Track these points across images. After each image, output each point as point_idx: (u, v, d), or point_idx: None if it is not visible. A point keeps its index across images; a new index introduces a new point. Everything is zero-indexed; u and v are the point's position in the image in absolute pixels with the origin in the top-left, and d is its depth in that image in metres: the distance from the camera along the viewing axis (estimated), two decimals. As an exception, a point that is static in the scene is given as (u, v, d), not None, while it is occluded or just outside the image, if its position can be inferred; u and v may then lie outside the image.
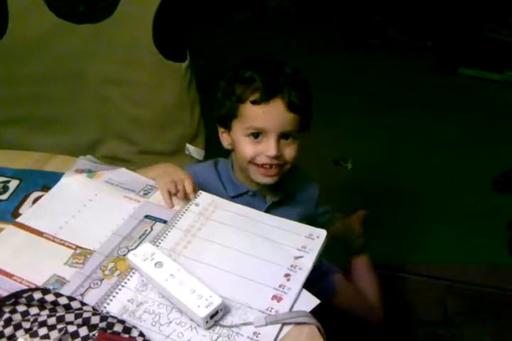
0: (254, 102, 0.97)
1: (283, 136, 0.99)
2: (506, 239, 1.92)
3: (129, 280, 0.81)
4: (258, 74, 0.97)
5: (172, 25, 1.23)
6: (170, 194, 0.93)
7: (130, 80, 1.24)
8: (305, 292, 0.82)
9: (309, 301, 0.80)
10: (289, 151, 1.01)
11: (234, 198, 1.08)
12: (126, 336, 0.71)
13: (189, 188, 0.94)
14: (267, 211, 1.08)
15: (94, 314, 0.72)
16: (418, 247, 1.88)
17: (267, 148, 0.98)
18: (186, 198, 0.94)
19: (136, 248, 0.84)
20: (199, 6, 2.92)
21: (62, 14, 1.15)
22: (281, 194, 1.11)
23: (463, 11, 2.95)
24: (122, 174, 1.01)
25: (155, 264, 0.79)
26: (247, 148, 1.00)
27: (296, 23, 3.19)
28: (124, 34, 1.18)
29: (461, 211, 2.04)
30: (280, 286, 0.81)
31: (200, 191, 0.97)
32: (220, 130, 1.07)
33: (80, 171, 1.00)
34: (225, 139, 1.07)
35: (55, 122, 1.30)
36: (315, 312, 0.79)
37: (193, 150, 1.36)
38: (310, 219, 1.14)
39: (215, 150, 1.42)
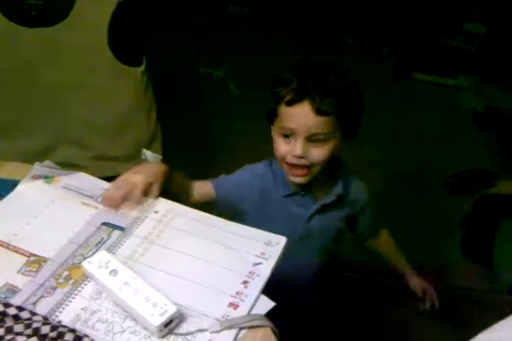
0: (287, 103, 0.99)
1: (312, 137, 1.00)
2: (459, 240, 1.97)
3: (83, 288, 0.80)
4: (296, 76, 0.99)
5: (128, 30, 1.22)
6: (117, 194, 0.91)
7: (85, 85, 1.22)
8: (261, 295, 0.81)
9: (265, 304, 0.80)
10: (317, 153, 1.01)
11: (286, 197, 1.11)
12: (78, 345, 0.70)
13: (136, 194, 0.92)
14: (316, 212, 1.13)
15: (44, 323, 0.71)
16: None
17: (293, 148, 1.01)
18: (136, 202, 0.92)
19: (92, 256, 0.83)
20: (160, 10, 2.90)
21: (14, 18, 1.12)
22: (333, 197, 1.12)
23: (418, 18, 3.02)
24: (81, 179, 0.99)
25: (110, 272, 0.78)
26: (280, 146, 1.04)
27: (256, 29, 3.20)
28: (78, 38, 1.16)
29: (414, 212, 2.08)
30: (237, 293, 0.81)
31: (160, 198, 0.95)
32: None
33: (37, 177, 0.98)
34: None
35: (7, 127, 1.26)
36: (270, 315, 0.79)
37: (150, 156, 1.34)
38: (351, 218, 1.20)
39: (172, 155, 1.42)
